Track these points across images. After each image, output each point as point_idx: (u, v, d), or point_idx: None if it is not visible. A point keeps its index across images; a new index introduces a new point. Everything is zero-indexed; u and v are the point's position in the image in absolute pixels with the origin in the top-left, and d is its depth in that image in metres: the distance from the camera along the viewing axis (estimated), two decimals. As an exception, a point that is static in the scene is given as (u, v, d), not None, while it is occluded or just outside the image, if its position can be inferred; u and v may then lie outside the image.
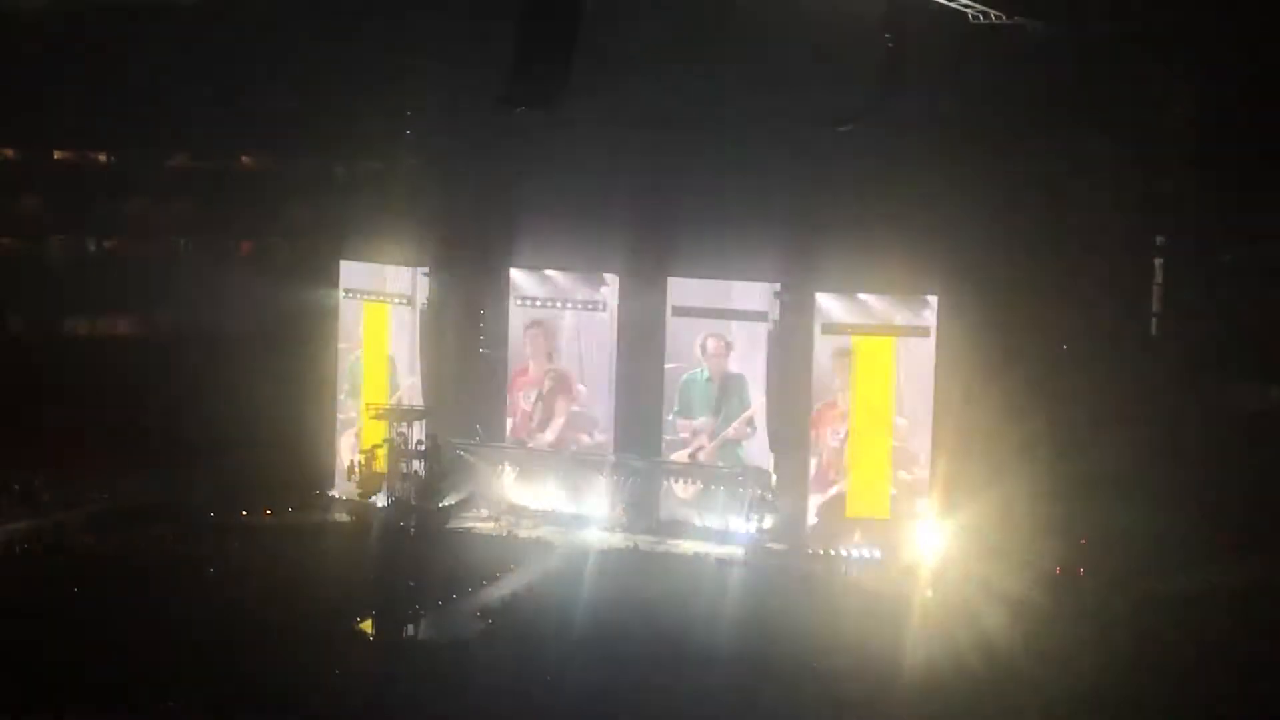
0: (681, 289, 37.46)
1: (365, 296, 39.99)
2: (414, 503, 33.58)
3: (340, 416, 40.19)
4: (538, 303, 38.73)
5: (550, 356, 38.75)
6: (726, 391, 37.28)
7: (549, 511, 37.93)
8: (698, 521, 36.98)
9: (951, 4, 30.14)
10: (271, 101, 40.10)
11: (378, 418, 37.39)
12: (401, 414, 37.07)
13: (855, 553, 35.44)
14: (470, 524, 37.59)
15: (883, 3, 29.09)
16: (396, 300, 39.53)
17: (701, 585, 32.82)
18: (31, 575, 32.36)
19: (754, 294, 37.02)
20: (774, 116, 35.26)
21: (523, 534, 36.98)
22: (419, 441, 35.80)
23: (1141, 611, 29.88)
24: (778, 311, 36.70)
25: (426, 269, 39.04)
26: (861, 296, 35.88)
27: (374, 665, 27.69)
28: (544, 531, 37.19)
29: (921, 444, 35.51)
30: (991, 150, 34.40)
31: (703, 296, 37.58)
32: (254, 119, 41.35)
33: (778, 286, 36.70)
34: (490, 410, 39.16)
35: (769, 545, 35.63)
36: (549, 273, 38.56)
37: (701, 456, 37.23)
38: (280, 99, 39.82)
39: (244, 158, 45.26)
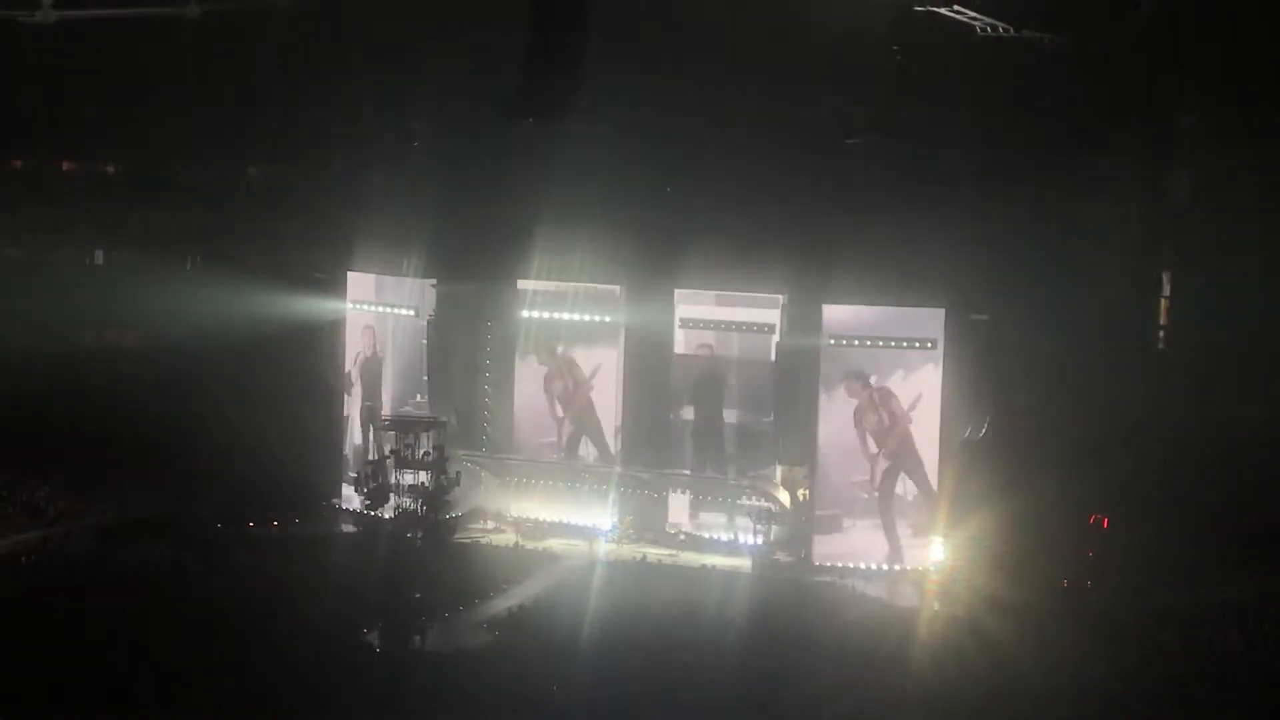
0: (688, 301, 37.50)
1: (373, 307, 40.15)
2: (421, 514, 33.53)
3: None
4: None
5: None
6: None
7: (556, 523, 37.94)
8: (705, 534, 36.97)
9: (960, 17, 30.15)
10: (278, 113, 40.17)
11: (385, 428, 37.38)
12: (409, 425, 37.03)
13: (862, 565, 35.43)
14: (477, 535, 37.59)
15: (891, 16, 29.13)
16: (404, 311, 39.61)
17: (709, 597, 32.76)
18: (37, 586, 32.31)
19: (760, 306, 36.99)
20: (782, 129, 35.34)
21: (530, 546, 36.97)
22: (426, 453, 35.77)
23: (1149, 624, 29.87)
24: (784, 324, 36.68)
25: (434, 281, 39.08)
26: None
27: (381, 677, 27.62)
28: (551, 543, 37.19)
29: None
30: (999, 163, 34.44)
31: (710, 309, 37.62)
32: (260, 130, 41.41)
33: (784, 299, 36.69)
34: (498, 420, 39.23)
35: (776, 557, 35.57)
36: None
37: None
38: (287, 110, 39.91)
39: (250, 169, 45.33)
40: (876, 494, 35.63)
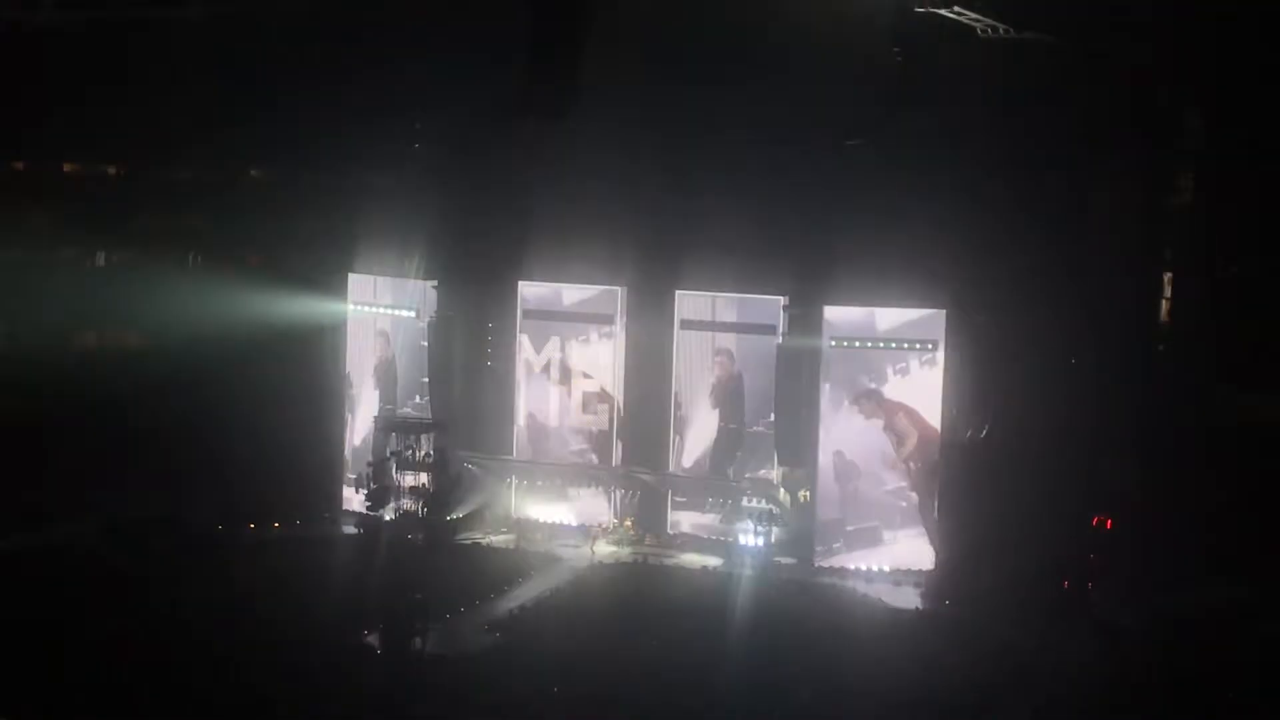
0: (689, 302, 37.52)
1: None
2: (422, 516, 33.56)
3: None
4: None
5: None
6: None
7: (557, 524, 37.94)
8: (706, 535, 36.97)
9: (961, 19, 30.13)
10: (279, 114, 40.15)
11: (386, 429, 37.36)
12: (410, 426, 37.03)
13: (863, 566, 35.44)
14: (478, 537, 37.59)
15: (892, 17, 29.12)
16: (405, 313, 39.64)
17: (710, 599, 32.76)
18: (37, 588, 32.32)
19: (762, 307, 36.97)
20: (783, 130, 35.36)
21: (531, 547, 36.97)
22: (427, 454, 35.79)
23: (1150, 625, 29.88)
24: (785, 325, 36.67)
25: (435, 282, 39.09)
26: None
27: (381, 679, 27.62)
28: (552, 545, 37.18)
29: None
30: (1000, 164, 34.44)
31: (710, 310, 37.66)
32: (261, 132, 41.39)
33: (785, 300, 36.67)
34: (499, 422, 39.22)
35: (777, 559, 35.54)
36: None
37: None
38: (288, 111, 39.89)
39: (249, 169, 45.29)
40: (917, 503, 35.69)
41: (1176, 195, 36.11)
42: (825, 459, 36.07)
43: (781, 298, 36.61)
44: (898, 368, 35.84)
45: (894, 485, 35.81)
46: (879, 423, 35.87)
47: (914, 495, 35.63)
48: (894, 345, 35.67)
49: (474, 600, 32.34)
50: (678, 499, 37.62)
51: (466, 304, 39.31)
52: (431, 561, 31.91)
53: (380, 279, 40.03)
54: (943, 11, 29.46)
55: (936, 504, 35.06)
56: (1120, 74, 34.18)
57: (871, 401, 35.88)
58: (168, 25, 36.57)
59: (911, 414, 35.72)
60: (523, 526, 38.11)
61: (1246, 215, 35.05)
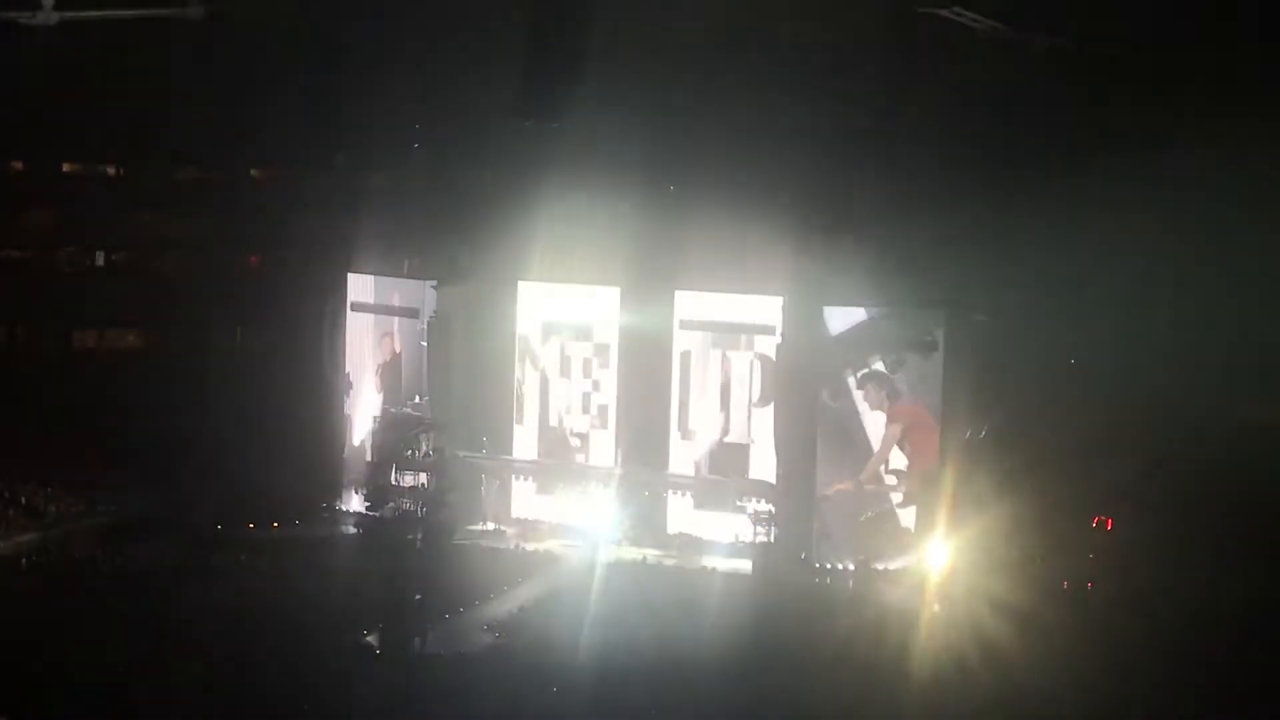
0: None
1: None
2: (421, 516, 33.56)
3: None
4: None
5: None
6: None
7: (556, 524, 37.93)
8: (704, 535, 36.96)
9: (960, 19, 30.19)
10: (280, 115, 40.22)
11: (386, 429, 37.37)
12: (410, 426, 37.02)
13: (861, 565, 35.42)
14: (477, 537, 37.58)
15: (892, 16, 29.18)
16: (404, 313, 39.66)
17: (708, 599, 32.77)
18: (38, 587, 32.36)
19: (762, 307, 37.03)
20: (781, 128, 35.40)
21: (530, 547, 36.98)
22: (427, 454, 35.77)
23: (1150, 624, 29.88)
24: (783, 325, 36.65)
25: (434, 282, 39.07)
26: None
27: (381, 678, 27.64)
28: (551, 545, 37.18)
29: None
30: (999, 162, 34.46)
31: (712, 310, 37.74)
32: (262, 133, 41.46)
33: (783, 300, 36.64)
34: (498, 422, 39.23)
35: (775, 558, 35.53)
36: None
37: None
38: (289, 112, 39.97)
39: (250, 170, 45.34)
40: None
41: (1177, 194, 36.11)
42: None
43: (779, 298, 36.65)
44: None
45: (878, 509, 35.68)
46: (882, 414, 35.74)
47: (908, 506, 35.53)
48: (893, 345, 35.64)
49: (474, 600, 32.32)
50: (678, 499, 37.62)
51: (467, 304, 39.29)
52: (431, 561, 31.93)
53: (379, 277, 40.06)
54: (942, 12, 29.52)
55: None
56: (1119, 72, 34.21)
57: (880, 390, 35.63)
58: (170, 24, 36.65)
59: (916, 409, 35.61)
60: (522, 526, 38.09)
61: (1247, 214, 35.05)
